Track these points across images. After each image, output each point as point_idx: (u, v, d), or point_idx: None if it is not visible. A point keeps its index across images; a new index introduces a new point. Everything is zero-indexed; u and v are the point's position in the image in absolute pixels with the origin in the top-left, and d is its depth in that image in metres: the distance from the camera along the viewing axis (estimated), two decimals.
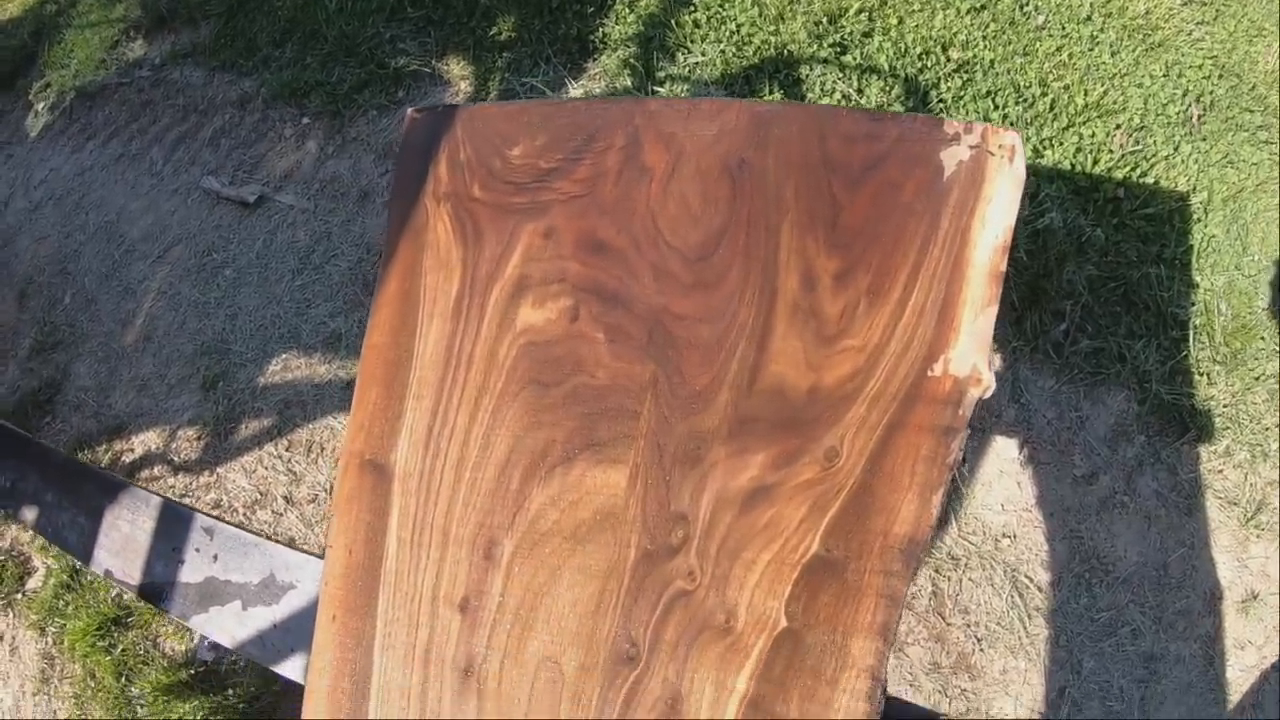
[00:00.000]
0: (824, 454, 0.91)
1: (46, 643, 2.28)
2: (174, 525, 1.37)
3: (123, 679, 2.13)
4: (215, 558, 1.30)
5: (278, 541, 1.24)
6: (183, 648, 2.10)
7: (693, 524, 0.91)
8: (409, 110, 1.27)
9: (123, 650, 2.14)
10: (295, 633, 1.20)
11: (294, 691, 2.01)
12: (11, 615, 2.35)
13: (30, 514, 1.61)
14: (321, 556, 1.14)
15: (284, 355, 2.20)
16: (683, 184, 1.06)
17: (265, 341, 2.23)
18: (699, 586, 0.89)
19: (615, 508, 0.93)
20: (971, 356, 0.93)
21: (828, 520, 0.89)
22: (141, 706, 2.10)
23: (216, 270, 2.38)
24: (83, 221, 2.71)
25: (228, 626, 1.26)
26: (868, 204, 0.99)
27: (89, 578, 2.22)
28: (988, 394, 0.96)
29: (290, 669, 1.20)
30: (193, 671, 2.06)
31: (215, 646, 2.09)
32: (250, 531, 1.27)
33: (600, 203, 1.08)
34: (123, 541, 1.44)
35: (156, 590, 1.37)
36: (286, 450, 2.10)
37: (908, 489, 0.89)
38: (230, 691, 2.01)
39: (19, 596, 2.35)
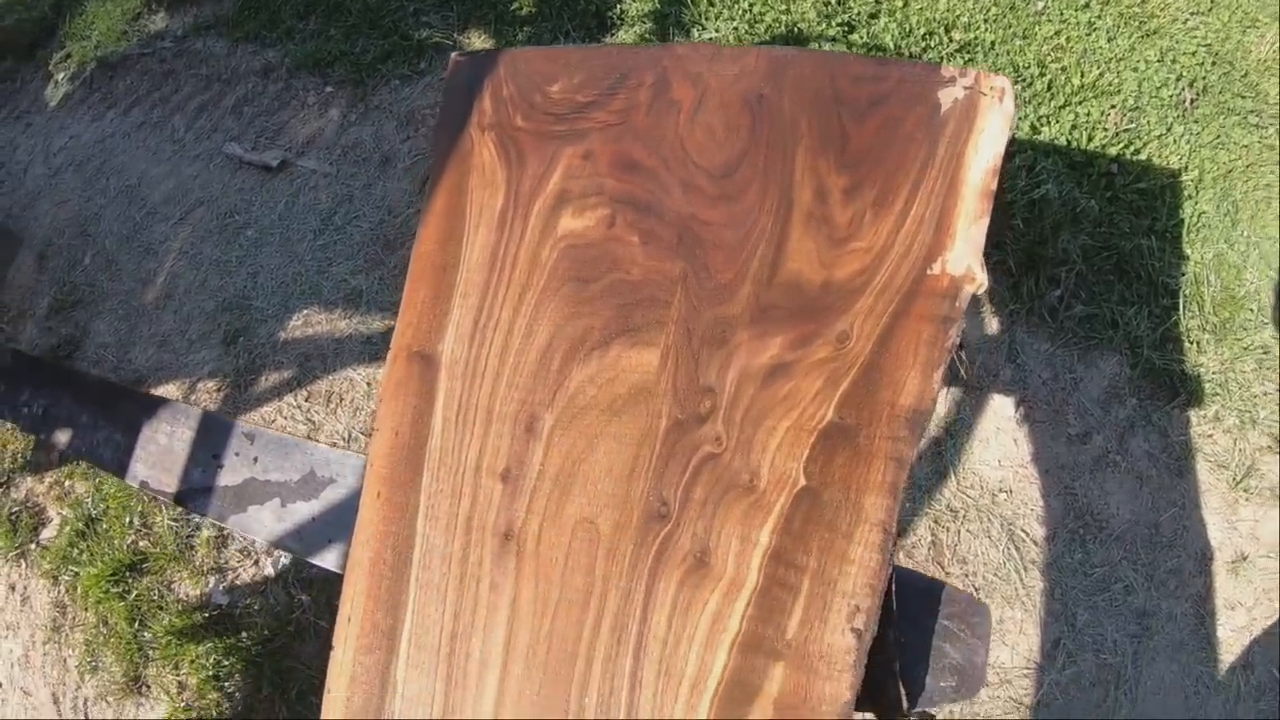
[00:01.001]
0: (836, 337, 1.04)
1: (59, 591, 2.37)
2: (214, 434, 1.48)
3: (136, 624, 2.22)
4: (255, 460, 1.41)
5: (319, 443, 1.35)
6: (197, 592, 2.20)
7: (719, 395, 1.03)
8: (453, 55, 1.41)
9: (136, 595, 2.23)
10: (334, 525, 1.32)
11: (306, 634, 2.11)
12: (25, 565, 2.44)
13: (63, 437, 1.73)
14: (362, 454, 1.26)
15: (305, 311, 2.32)
16: (708, 115, 1.20)
17: (286, 298, 2.35)
18: (725, 450, 1.02)
19: (648, 383, 1.06)
20: (966, 259, 1.08)
21: (841, 392, 1.02)
22: (153, 650, 2.19)
23: (238, 231, 2.50)
24: (103, 186, 2.83)
25: (266, 523, 1.38)
26: (873, 133, 1.14)
27: (104, 525, 2.32)
28: (981, 290, 1.10)
29: (328, 559, 1.31)
30: (206, 615, 2.15)
31: (229, 590, 2.19)
32: (292, 436, 1.39)
33: (634, 130, 1.22)
34: (160, 453, 1.55)
35: (193, 496, 1.48)
36: (306, 401, 2.21)
37: (911, 367, 1.03)
38: (244, 634, 2.11)
39: (33, 547, 2.44)
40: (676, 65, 1.25)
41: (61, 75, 3.18)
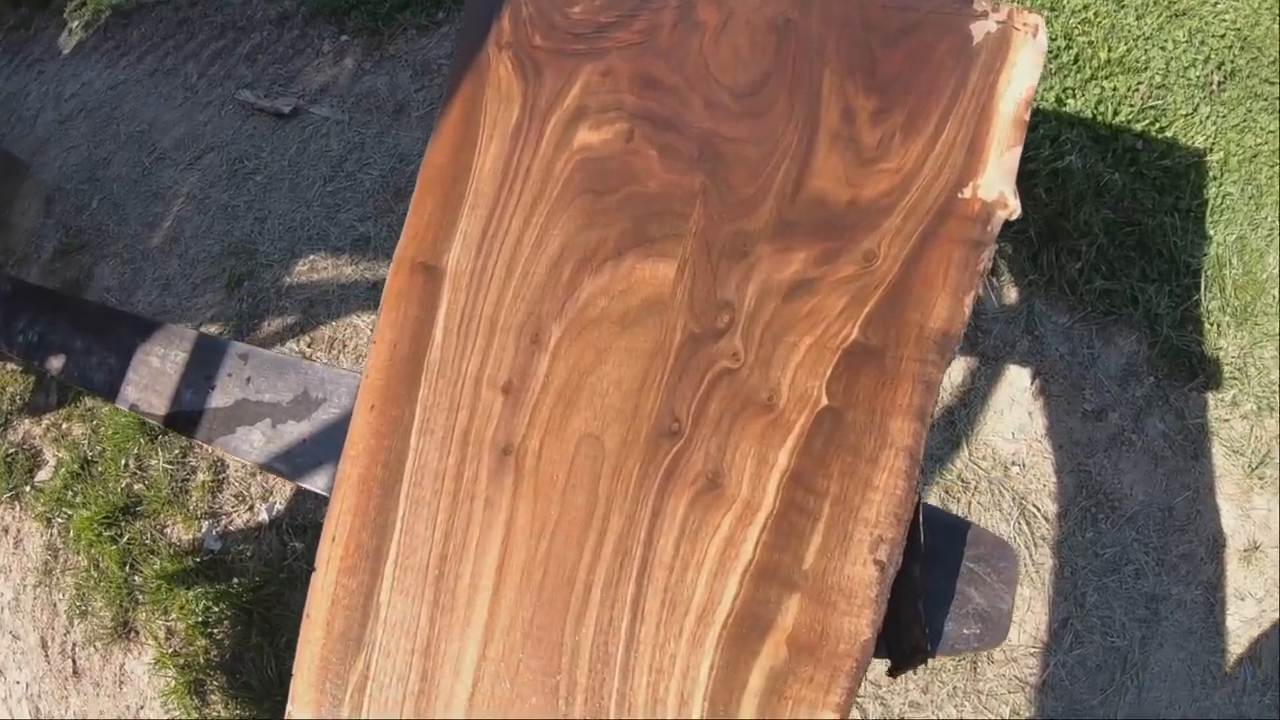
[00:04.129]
0: (862, 255, 0.97)
1: (52, 534, 2.31)
2: (208, 355, 1.41)
3: (127, 567, 2.16)
4: (248, 380, 1.34)
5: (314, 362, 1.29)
6: (190, 536, 2.13)
7: (738, 310, 0.96)
8: None
9: (129, 540, 2.17)
10: (325, 445, 1.24)
11: (298, 581, 2.05)
12: (18, 508, 2.38)
13: (56, 362, 1.65)
14: (358, 374, 1.19)
15: (311, 256, 2.26)
16: (733, 35, 1.13)
17: (293, 243, 2.29)
18: (743, 366, 0.94)
19: (663, 296, 0.99)
20: (998, 185, 1.01)
21: (867, 310, 0.95)
22: (143, 595, 2.13)
23: (248, 176, 2.44)
24: (114, 132, 2.77)
25: (255, 444, 1.30)
26: (903, 60, 1.07)
27: (99, 468, 2.26)
28: (1014, 216, 1.03)
29: (317, 482, 1.24)
30: (198, 560, 2.09)
31: (222, 536, 2.12)
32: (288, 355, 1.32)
33: (656, 48, 1.15)
34: (151, 376, 1.48)
35: (184, 418, 1.40)
36: (309, 347, 2.15)
37: (941, 289, 0.95)
38: (235, 580, 2.04)
39: (27, 489, 2.38)
40: None
41: (76, 23, 3.12)
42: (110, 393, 1.51)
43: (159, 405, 1.43)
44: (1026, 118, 1.06)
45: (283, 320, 2.21)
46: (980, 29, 1.09)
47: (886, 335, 0.94)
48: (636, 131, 1.09)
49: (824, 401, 0.92)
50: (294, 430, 1.26)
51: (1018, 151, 1.04)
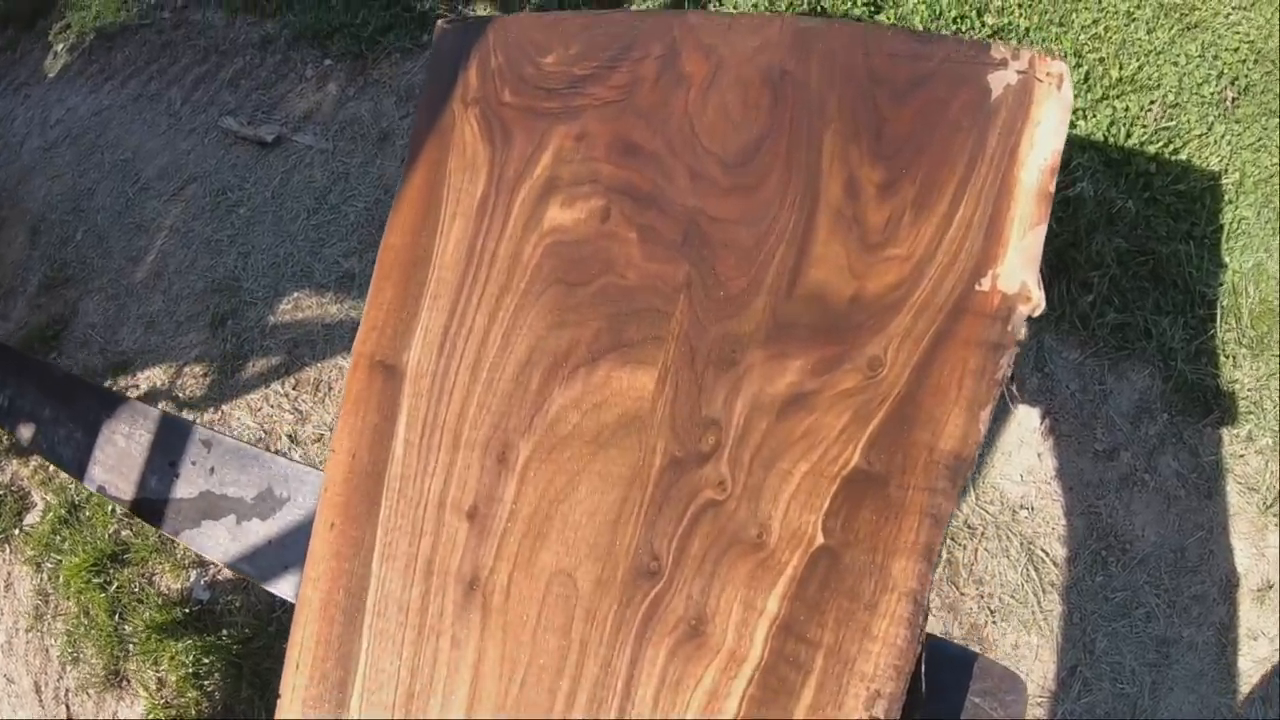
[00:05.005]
0: (867, 362, 0.83)
1: (42, 579, 2.20)
2: (171, 438, 1.29)
3: (116, 616, 2.05)
4: (212, 471, 1.22)
5: (278, 454, 1.16)
6: (178, 586, 2.02)
7: (725, 430, 0.83)
8: (438, 22, 1.19)
9: (117, 587, 2.06)
10: (291, 549, 1.12)
11: (288, 634, 1.93)
12: (8, 550, 2.27)
13: (27, 431, 1.53)
14: (322, 470, 1.06)
15: (295, 294, 2.12)
16: (722, 92, 0.98)
17: (277, 280, 2.15)
18: (730, 497, 0.81)
19: (642, 411, 0.85)
20: (1020, 273, 0.86)
21: (870, 431, 0.81)
22: (134, 644, 2.03)
23: (231, 209, 2.30)
24: (98, 160, 2.63)
25: (220, 541, 1.19)
26: (913, 118, 0.92)
27: (87, 513, 2.15)
28: (1037, 312, 0.88)
29: (284, 587, 1.12)
30: (187, 610, 1.98)
31: (211, 586, 2.01)
32: (249, 444, 1.19)
33: (636, 107, 1.00)
34: (118, 456, 1.36)
35: (149, 506, 1.29)
36: (293, 389, 2.02)
37: (954, 403, 0.81)
38: (224, 632, 1.94)
39: (16, 532, 2.27)
40: (688, 35, 1.03)
41: (61, 46, 2.96)
42: (79, 470, 1.40)
43: (125, 490, 1.31)
44: (1052, 189, 0.91)
45: (267, 361, 2.08)
46: (999, 81, 0.93)
47: (892, 460, 0.80)
48: (613, 209, 0.95)
49: (819, 540, 0.79)
50: (258, 530, 1.14)
51: (1042, 231, 0.90)
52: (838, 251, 0.87)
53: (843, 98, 0.94)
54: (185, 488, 1.24)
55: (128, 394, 2.24)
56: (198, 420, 2.11)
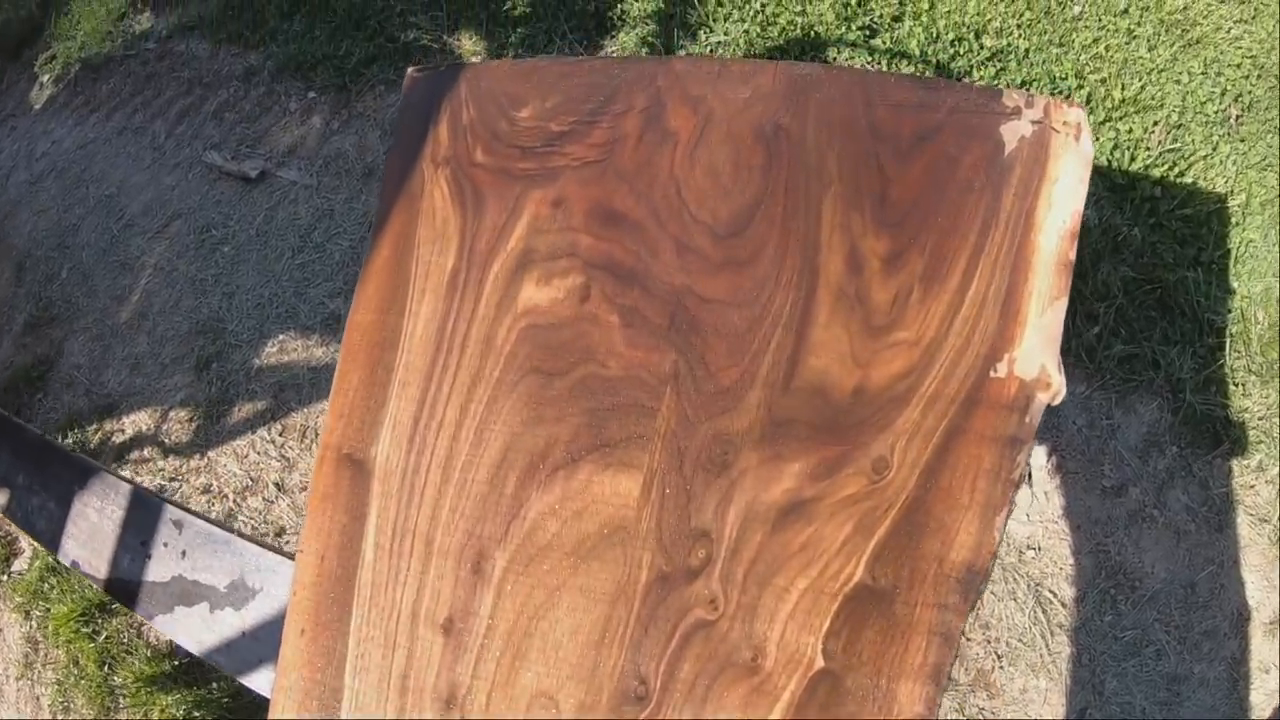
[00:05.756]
0: (871, 464, 0.75)
1: (31, 627, 2.13)
2: (143, 517, 1.21)
3: (105, 667, 1.98)
4: (184, 554, 1.14)
5: (248, 539, 1.08)
6: (167, 638, 1.94)
7: (716, 543, 0.75)
8: (409, 70, 1.11)
9: (106, 638, 1.99)
10: (265, 642, 1.05)
11: None
12: None
13: (1, 498, 1.46)
14: (292, 563, 0.98)
15: (280, 336, 2.04)
16: (711, 151, 0.90)
17: (262, 321, 2.07)
18: (722, 617, 0.73)
19: (626, 520, 0.77)
20: (1039, 355, 0.78)
21: (875, 543, 0.73)
22: (124, 696, 1.95)
23: (215, 247, 2.22)
24: (83, 195, 2.55)
25: (194, 631, 1.11)
26: (920, 178, 0.83)
27: None
28: (1057, 400, 0.80)
29: (259, 681, 1.05)
30: (176, 663, 1.90)
31: None
32: (220, 527, 1.12)
33: (617, 169, 0.92)
34: (90, 531, 1.28)
35: (123, 587, 1.22)
36: (280, 435, 1.94)
37: (967, 508, 0.73)
38: (214, 685, 1.86)
39: (4, 578, 2.20)
40: (673, 85, 0.95)
41: (46, 77, 2.88)
42: (53, 544, 1.33)
43: (99, 567, 1.24)
44: (1073, 256, 0.83)
45: (253, 406, 2.00)
46: (1012, 132, 0.85)
47: (898, 574, 0.72)
48: (594, 288, 0.87)
49: (819, 663, 0.71)
50: (231, 621, 1.06)
51: (1063, 306, 0.82)
52: (839, 336, 0.79)
53: (843, 156, 0.86)
54: (158, 570, 1.17)
55: (113, 438, 2.16)
56: (185, 467, 2.03)
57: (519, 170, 0.96)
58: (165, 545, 1.17)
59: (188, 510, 1.15)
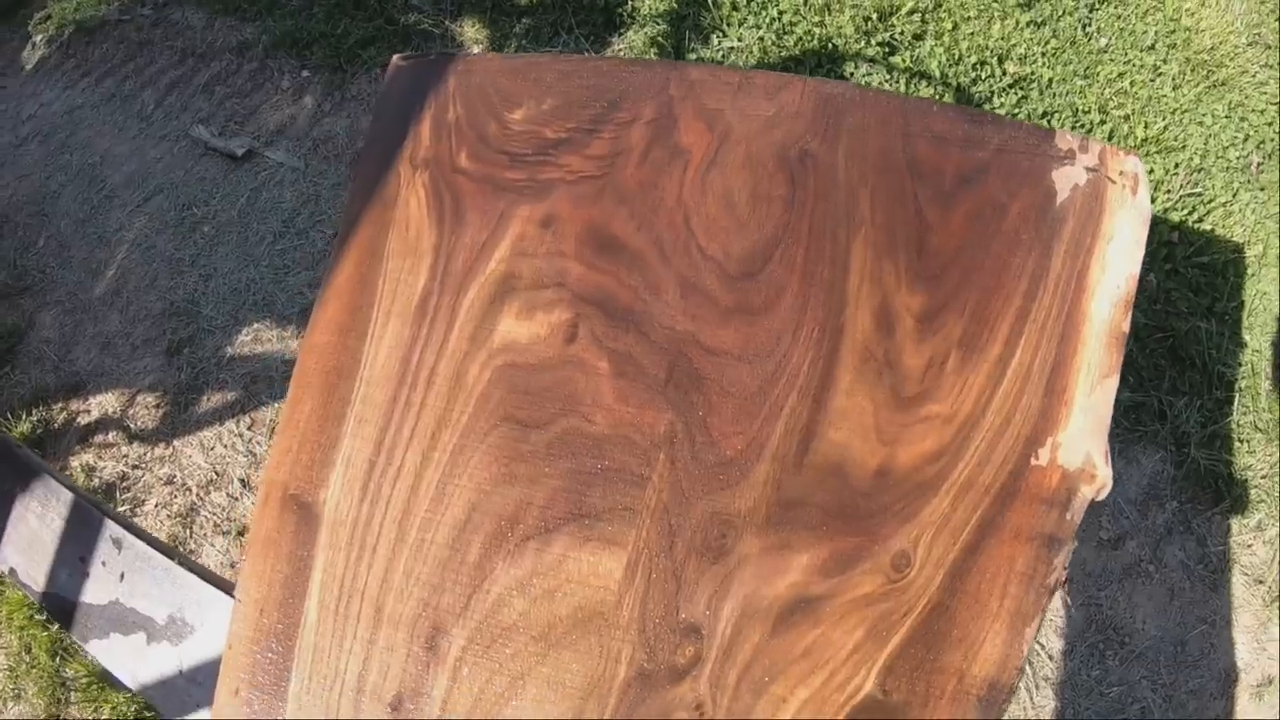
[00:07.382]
0: (891, 560, 0.63)
1: None
2: (82, 530, 1.09)
3: (57, 659, 1.85)
4: (122, 577, 1.02)
5: (190, 567, 0.96)
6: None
7: (708, 640, 0.63)
8: (395, 57, 0.98)
9: (59, 628, 1.86)
10: (202, 686, 0.92)
11: None
12: None
13: None
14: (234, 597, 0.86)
15: (256, 325, 1.91)
16: (727, 175, 0.77)
17: (238, 307, 1.94)
18: None
19: (605, 606, 0.65)
20: (1086, 442, 0.66)
21: (889, 651, 0.61)
22: (75, 690, 1.83)
23: (195, 225, 2.07)
24: (66, 162, 2.39)
25: (129, 663, 0.99)
26: (963, 226, 0.72)
27: None
28: (1102, 495, 0.68)
29: None
30: None
31: None
32: (161, 550, 0.99)
33: (618, 188, 0.79)
34: (30, 538, 1.15)
35: (59, 603, 1.10)
36: (249, 429, 1.81)
37: (995, 616, 0.62)
38: None
39: None
40: (688, 95, 0.82)
41: (39, 38, 2.71)
42: None
43: (37, 579, 1.12)
44: (1127, 328, 0.72)
45: (223, 395, 1.87)
46: (1065, 179, 0.74)
47: (913, 688, 0.61)
48: (582, 327, 0.75)
49: None
50: (167, 658, 0.94)
51: (1113, 386, 0.70)
52: (863, 407, 0.67)
53: (877, 194, 0.74)
54: (95, 591, 1.04)
55: (78, 419, 2.02)
56: (149, 455, 1.89)
57: (506, 180, 0.83)
58: (104, 564, 1.04)
59: (129, 528, 1.02)
